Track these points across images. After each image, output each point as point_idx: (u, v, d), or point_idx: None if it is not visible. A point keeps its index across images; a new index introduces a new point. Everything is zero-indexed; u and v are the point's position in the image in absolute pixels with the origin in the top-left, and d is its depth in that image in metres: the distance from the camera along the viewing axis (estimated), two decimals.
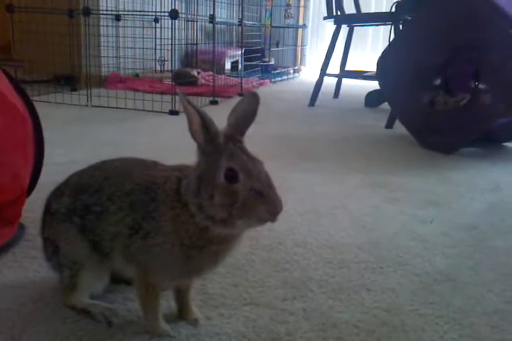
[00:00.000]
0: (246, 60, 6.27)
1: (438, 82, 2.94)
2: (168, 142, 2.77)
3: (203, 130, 0.91)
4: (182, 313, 1.11)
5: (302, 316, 1.14)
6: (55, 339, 1.01)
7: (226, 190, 0.88)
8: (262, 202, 0.88)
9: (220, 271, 1.32)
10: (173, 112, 3.69)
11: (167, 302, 1.14)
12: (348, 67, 4.99)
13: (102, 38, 4.86)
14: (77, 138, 2.80)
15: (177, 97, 3.72)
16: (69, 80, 4.68)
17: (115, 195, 1.01)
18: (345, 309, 1.18)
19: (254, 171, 0.90)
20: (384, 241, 1.58)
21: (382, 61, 3.24)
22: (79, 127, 3.15)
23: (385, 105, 3.99)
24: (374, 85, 4.23)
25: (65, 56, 4.51)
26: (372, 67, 3.67)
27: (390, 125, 3.53)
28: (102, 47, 4.87)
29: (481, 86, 2.67)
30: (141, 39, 5.19)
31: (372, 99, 4.58)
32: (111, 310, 1.10)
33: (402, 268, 1.40)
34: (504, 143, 3.11)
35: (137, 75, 5.45)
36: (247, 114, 0.97)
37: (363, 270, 1.38)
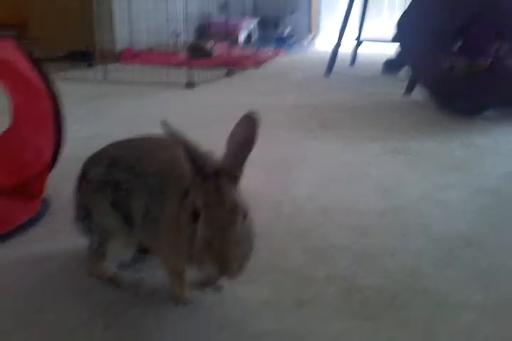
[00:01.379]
0: (260, 30, 6.18)
1: (458, 45, 2.86)
2: (184, 114, 2.76)
3: (189, 162, 0.85)
4: (207, 281, 1.12)
5: (325, 282, 1.15)
6: (84, 307, 1.04)
7: (190, 227, 0.84)
8: (209, 256, 0.80)
9: None
10: (189, 85, 3.67)
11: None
12: (364, 35, 4.88)
13: (115, 13, 4.82)
14: (95, 113, 2.81)
15: (192, 70, 3.69)
16: (84, 56, 4.66)
17: (142, 174, 1.02)
18: (369, 274, 1.18)
19: (219, 220, 0.81)
20: (406, 207, 1.57)
21: (401, 23, 3.15)
22: (96, 102, 3.16)
23: (404, 72, 3.91)
24: (391, 52, 4.15)
25: (79, 32, 4.49)
26: (389, 35, 3.59)
27: (409, 90, 3.46)
28: (116, 22, 4.83)
29: (503, 47, 2.59)
30: (155, 12, 5.13)
31: (390, 66, 4.49)
32: (137, 278, 1.13)
33: (425, 233, 1.40)
34: None
35: (152, 49, 5.41)
36: (244, 140, 0.88)
37: (386, 236, 1.38)
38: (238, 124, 0.89)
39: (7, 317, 1.01)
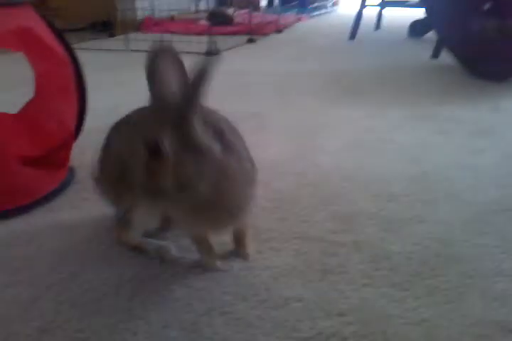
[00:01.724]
0: None
1: (488, 6, 2.73)
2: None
3: None
4: (236, 247, 1.12)
5: (353, 248, 1.13)
6: (112, 274, 1.05)
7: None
8: None
9: (268, 206, 1.32)
10: (210, 53, 3.62)
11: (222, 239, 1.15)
12: None
13: None
14: (118, 84, 2.80)
15: (213, 38, 3.63)
16: (106, 26, 4.63)
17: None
18: (397, 241, 1.16)
19: None
20: (434, 173, 1.53)
21: None
22: (119, 72, 3.14)
23: (430, 35, 3.79)
24: (418, 14, 4.01)
25: (99, 2, 4.45)
26: None
27: (436, 54, 3.36)
28: None
29: None
30: None
31: (416, 29, 4.35)
32: (163, 246, 1.13)
33: (454, 199, 1.37)
34: None
35: (172, 17, 5.34)
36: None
37: (414, 202, 1.35)
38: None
39: (35, 285, 1.02)
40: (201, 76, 0.83)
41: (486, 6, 2.73)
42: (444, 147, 1.76)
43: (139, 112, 1.10)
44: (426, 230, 1.21)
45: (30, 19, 1.37)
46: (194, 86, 0.83)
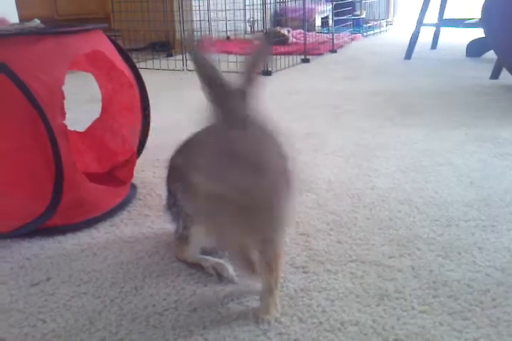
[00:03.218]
0: (336, 14, 6.05)
1: None
2: (263, 102, 2.77)
3: None
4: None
5: (411, 274, 1.12)
6: (172, 290, 1.08)
7: None
8: None
9: (324, 228, 1.32)
10: (266, 72, 3.68)
11: None
12: (446, 16, 4.66)
13: (193, 2, 4.89)
14: (176, 103, 2.89)
15: (269, 58, 3.69)
16: (164, 46, 4.79)
17: None
18: (456, 267, 1.14)
19: None
20: (495, 198, 1.50)
21: (488, 4, 2.99)
22: (176, 91, 3.24)
23: (489, 54, 3.71)
24: (476, 33, 3.94)
25: (159, 23, 4.61)
26: (473, 14, 3.41)
27: (495, 75, 3.29)
28: (194, 12, 4.90)
29: None
30: (231, 0, 5.16)
31: (474, 49, 4.27)
32: (221, 264, 1.15)
33: None
34: None
35: (228, 38, 5.46)
36: (253, 60, 0.94)
37: (473, 228, 1.32)
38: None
39: (99, 297, 1.07)
40: (258, 58, 0.91)
41: None
42: (504, 171, 1.71)
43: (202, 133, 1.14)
44: (486, 257, 1.18)
45: (102, 42, 1.44)
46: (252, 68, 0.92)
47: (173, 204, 1.16)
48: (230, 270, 1.13)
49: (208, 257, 1.18)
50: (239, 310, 1.02)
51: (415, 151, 1.93)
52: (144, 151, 1.65)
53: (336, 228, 1.33)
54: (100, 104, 1.68)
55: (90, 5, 5.48)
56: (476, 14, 3.09)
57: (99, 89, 1.66)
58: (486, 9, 3.01)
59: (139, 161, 1.62)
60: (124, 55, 1.55)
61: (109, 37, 1.52)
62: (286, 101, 2.80)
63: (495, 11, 2.96)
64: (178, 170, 1.12)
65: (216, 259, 1.17)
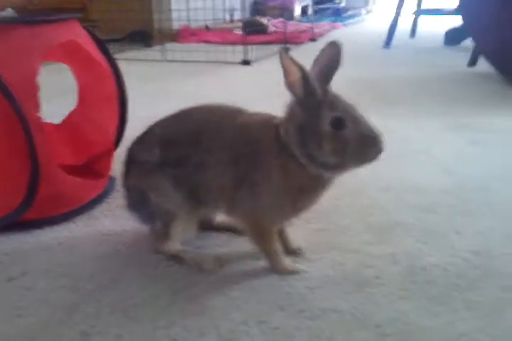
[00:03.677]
0: (316, 3, 6.05)
1: None
2: (243, 92, 2.76)
3: (304, 84, 0.93)
4: (285, 247, 1.15)
5: (390, 260, 1.13)
6: (151, 282, 1.08)
7: (335, 137, 0.93)
8: (369, 144, 0.95)
9: (306, 217, 1.32)
10: (245, 62, 3.66)
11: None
12: (425, 4, 4.68)
13: None
14: (155, 93, 2.86)
15: (248, 47, 3.67)
16: (143, 36, 4.73)
17: (214, 148, 1.03)
18: (434, 252, 1.16)
19: (357, 116, 0.95)
20: (472, 184, 1.52)
21: None
22: (155, 82, 3.21)
23: (467, 42, 3.74)
24: (454, 22, 3.96)
25: (137, 12, 4.55)
26: (450, 4, 3.42)
27: (472, 62, 3.32)
28: (173, 1, 4.85)
29: None
30: None
31: (452, 37, 4.30)
32: (201, 255, 1.15)
33: (492, 210, 1.35)
34: None
35: (207, 27, 5.42)
36: (330, 63, 0.96)
37: (451, 213, 1.34)
38: (322, 50, 0.95)
39: (74, 293, 1.06)
40: (336, 62, 0.96)
41: None
42: (480, 158, 1.73)
43: (165, 124, 1.13)
44: (464, 242, 1.20)
45: (77, 33, 1.42)
46: (330, 70, 0.96)
47: (140, 204, 1.13)
48: (211, 261, 1.13)
49: (188, 249, 1.17)
50: (219, 299, 1.01)
51: (394, 139, 1.92)
52: (123, 142, 1.63)
53: (318, 216, 1.33)
54: (76, 96, 1.66)
55: None
56: (454, 4, 3.10)
57: (75, 81, 1.63)
58: None
59: (118, 153, 1.60)
60: (101, 45, 1.52)
61: (85, 27, 1.49)
62: (267, 89, 2.79)
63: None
64: (146, 165, 1.09)
65: (197, 250, 1.17)
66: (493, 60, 2.92)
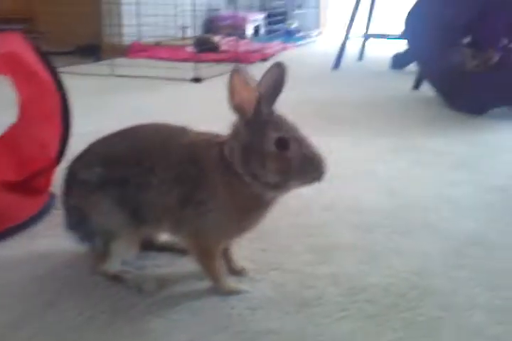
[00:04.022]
0: (268, 24, 6.15)
1: (468, 40, 2.82)
2: (192, 109, 2.76)
3: (256, 106, 0.95)
4: (229, 267, 1.15)
5: (330, 280, 1.14)
6: (88, 304, 1.04)
7: (278, 157, 0.94)
8: (312, 165, 0.96)
9: (249, 236, 1.31)
10: (196, 79, 3.66)
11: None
12: (372, 30, 4.84)
13: (122, 6, 4.80)
14: (102, 108, 2.81)
15: (199, 64, 3.68)
16: (92, 50, 4.66)
17: (157, 167, 1.02)
18: (375, 273, 1.17)
19: (301, 138, 0.98)
20: (413, 205, 1.56)
21: (409, 19, 3.13)
22: (103, 97, 3.15)
23: (412, 67, 3.89)
24: (400, 47, 4.11)
25: (87, 26, 4.49)
26: (398, 29, 3.56)
27: (416, 86, 3.44)
28: (124, 16, 4.81)
29: None
30: (163, 6, 5.11)
31: (398, 61, 4.45)
32: (141, 276, 1.12)
33: (431, 231, 1.39)
34: None
35: (159, 43, 5.40)
36: (275, 84, 0.98)
37: (392, 234, 1.37)
38: (268, 71, 0.97)
39: (10, 314, 1.01)
40: (280, 84, 0.98)
41: (466, 40, 2.82)
42: (423, 179, 1.79)
43: (108, 142, 1.11)
44: (403, 262, 1.23)
45: (18, 44, 1.38)
46: (275, 92, 0.98)
47: (79, 223, 1.10)
48: (151, 282, 1.10)
49: (128, 269, 1.14)
50: (159, 321, 0.99)
51: (340, 159, 1.97)
52: (65, 158, 1.59)
53: (261, 236, 1.33)
54: (17, 110, 1.61)
55: (13, 4, 5.23)
56: (400, 29, 3.22)
57: (16, 94, 1.58)
58: (408, 22, 3.14)
59: (61, 168, 1.56)
60: (44, 58, 1.48)
61: (28, 39, 1.45)
62: (216, 108, 2.79)
63: (416, 25, 3.10)
64: (87, 183, 1.07)
65: (136, 271, 1.15)
66: (435, 84, 3.04)
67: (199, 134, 1.09)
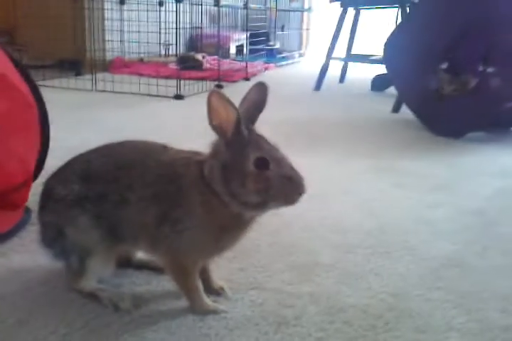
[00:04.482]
0: (251, 43, 6.21)
1: (445, 65, 2.89)
2: (173, 126, 2.75)
3: (236, 126, 0.95)
4: (208, 286, 1.13)
5: (309, 300, 1.14)
6: (62, 322, 1.02)
7: (258, 177, 0.95)
8: (291, 186, 0.96)
9: (227, 256, 1.31)
10: (178, 97, 3.67)
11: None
12: (354, 51, 4.93)
13: (106, 22, 4.82)
14: (82, 123, 2.79)
15: (182, 82, 3.69)
16: (73, 65, 4.65)
17: (136, 184, 1.01)
18: (353, 293, 1.17)
19: (281, 158, 0.98)
20: (391, 226, 1.57)
21: (388, 44, 3.20)
22: (84, 112, 3.14)
23: (392, 89, 3.95)
24: (380, 69, 4.19)
25: (69, 40, 4.48)
26: (378, 51, 3.63)
27: (396, 109, 3.50)
28: (107, 31, 4.82)
29: (489, 69, 2.64)
30: (146, 23, 5.14)
31: (378, 84, 4.54)
32: (118, 294, 1.10)
33: (410, 252, 1.40)
34: None
35: (142, 59, 5.41)
36: (256, 103, 0.99)
37: (370, 255, 1.37)
38: (249, 91, 0.99)
39: None
40: (262, 103, 1.00)
41: (443, 65, 2.89)
42: (401, 200, 1.81)
43: (84, 159, 1.10)
44: (381, 283, 1.23)
45: None
46: (256, 111, 1.01)
47: (55, 240, 1.08)
48: (127, 301, 1.08)
49: (104, 287, 1.12)
50: None
51: (320, 179, 1.98)
52: (43, 173, 1.57)
53: (240, 255, 1.33)
54: None
55: None
56: (381, 51, 3.29)
57: None
58: (387, 48, 3.21)
59: (38, 183, 1.54)
60: (23, 71, 1.47)
61: (6, 52, 1.44)
62: (198, 125, 2.80)
63: (395, 50, 3.17)
64: (63, 200, 1.05)
65: (113, 289, 1.12)
66: (414, 108, 3.09)
67: (178, 152, 1.09)
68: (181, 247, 1.01)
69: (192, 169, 1.01)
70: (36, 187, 1.48)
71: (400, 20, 3.66)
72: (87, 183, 1.04)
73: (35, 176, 1.52)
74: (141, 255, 1.23)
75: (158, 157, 1.05)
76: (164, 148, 1.10)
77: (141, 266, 1.23)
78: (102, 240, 1.04)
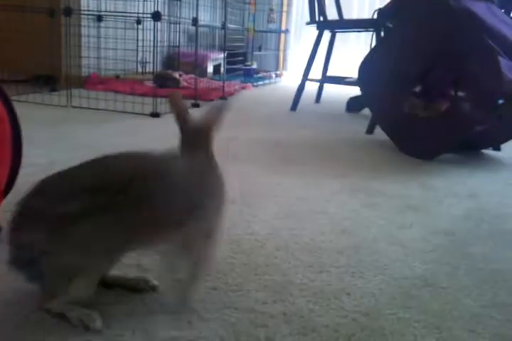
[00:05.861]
0: (228, 63, 6.27)
1: (418, 89, 2.97)
2: (149, 144, 2.75)
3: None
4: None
5: (282, 320, 1.14)
6: None
7: None
8: None
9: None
10: (154, 114, 3.67)
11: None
12: (329, 73, 5.02)
13: (83, 39, 4.81)
14: (56, 139, 2.77)
15: (158, 99, 3.70)
16: (48, 80, 4.61)
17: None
18: (325, 313, 1.18)
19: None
20: (363, 246, 1.58)
21: (363, 67, 3.27)
22: (58, 128, 3.11)
23: (366, 111, 4.03)
24: (355, 91, 4.27)
25: (44, 56, 4.45)
26: (353, 73, 3.70)
27: (370, 131, 3.56)
28: (83, 48, 4.82)
29: (460, 94, 2.72)
30: (123, 40, 5.15)
31: (353, 105, 4.62)
32: (88, 314, 1.07)
33: (382, 272, 1.41)
34: (482, 150, 3.16)
35: (118, 77, 5.41)
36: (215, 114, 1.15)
37: (343, 274, 1.38)
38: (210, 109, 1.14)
39: None
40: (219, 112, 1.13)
41: (417, 89, 2.96)
42: (373, 220, 1.83)
43: (70, 174, 1.08)
44: (353, 303, 1.24)
45: None
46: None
47: (31, 262, 1.02)
48: (98, 320, 1.06)
49: (74, 306, 1.10)
50: None
51: (294, 199, 2.00)
52: (14, 190, 1.54)
53: (213, 274, 1.32)
54: None
55: None
56: (356, 73, 3.35)
57: None
58: (361, 70, 3.28)
59: (7, 201, 1.51)
60: None
61: None
62: (173, 143, 2.80)
63: (369, 73, 3.24)
64: (43, 217, 1.01)
65: (83, 309, 1.10)
66: (387, 130, 3.15)
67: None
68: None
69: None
70: (7, 205, 1.46)
71: (375, 43, 3.74)
72: (91, 196, 0.99)
73: (6, 193, 1.49)
74: (112, 273, 1.22)
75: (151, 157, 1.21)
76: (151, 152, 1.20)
77: (113, 285, 1.22)
78: (106, 254, 1.03)
